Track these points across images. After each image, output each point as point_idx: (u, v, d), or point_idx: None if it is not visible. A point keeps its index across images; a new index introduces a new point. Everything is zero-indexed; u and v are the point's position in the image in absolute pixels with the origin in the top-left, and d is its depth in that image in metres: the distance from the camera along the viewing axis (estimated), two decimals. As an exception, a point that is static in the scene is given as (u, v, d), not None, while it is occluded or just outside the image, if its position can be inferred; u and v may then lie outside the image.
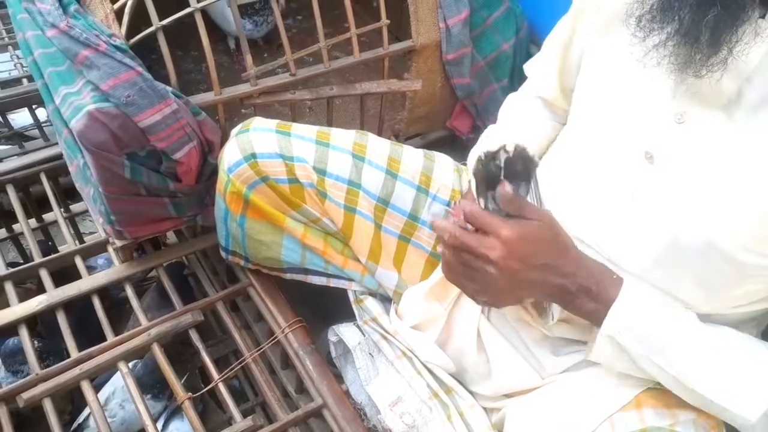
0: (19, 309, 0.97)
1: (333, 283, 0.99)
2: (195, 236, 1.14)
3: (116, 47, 0.88)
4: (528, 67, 0.96)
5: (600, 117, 0.72)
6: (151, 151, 0.92)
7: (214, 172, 0.98)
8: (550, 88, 0.90)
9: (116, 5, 0.92)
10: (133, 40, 0.91)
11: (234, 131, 0.91)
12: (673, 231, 0.64)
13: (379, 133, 1.23)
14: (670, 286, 0.68)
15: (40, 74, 1.01)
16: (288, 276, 1.00)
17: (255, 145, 0.87)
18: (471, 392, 0.88)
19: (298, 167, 0.87)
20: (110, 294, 1.28)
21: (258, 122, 0.90)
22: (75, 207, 1.39)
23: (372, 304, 0.96)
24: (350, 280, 0.98)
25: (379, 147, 0.92)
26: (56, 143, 1.41)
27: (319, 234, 0.94)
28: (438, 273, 0.93)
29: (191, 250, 1.10)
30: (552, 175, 0.79)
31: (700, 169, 0.62)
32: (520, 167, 0.59)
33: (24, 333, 0.95)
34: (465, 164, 0.97)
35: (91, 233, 1.54)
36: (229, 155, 0.88)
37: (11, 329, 0.98)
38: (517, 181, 0.60)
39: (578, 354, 0.79)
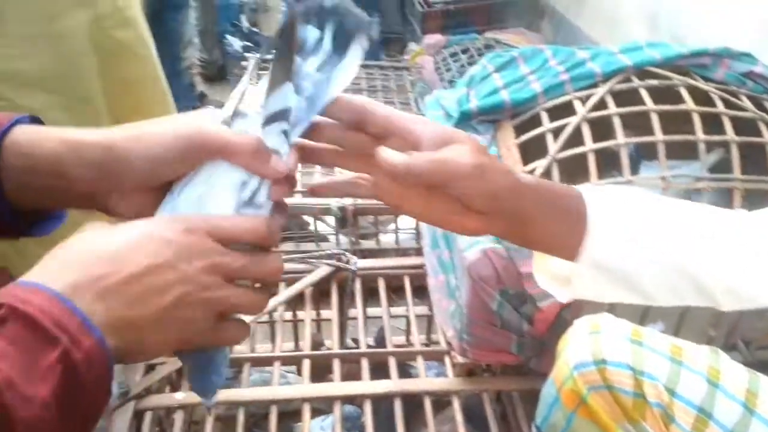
0: (369, 386, 1.15)
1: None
2: (519, 374, 1.22)
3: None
4: None
5: None
6: (520, 293, 1.04)
7: (564, 326, 1.06)
8: None
9: (527, 168, 1.09)
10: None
11: (584, 327, 0.92)
12: None
13: (728, 338, 1.18)
14: None
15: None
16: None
17: (606, 351, 0.88)
18: None
19: (648, 384, 0.86)
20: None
21: (609, 324, 0.91)
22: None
23: None
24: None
25: (734, 374, 0.87)
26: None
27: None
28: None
29: (515, 387, 1.18)
30: None
31: None
32: None
33: (368, 408, 1.12)
34: None
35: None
36: (578, 354, 0.89)
37: (354, 400, 1.16)
38: None
39: None
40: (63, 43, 0.97)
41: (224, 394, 1.15)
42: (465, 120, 1.16)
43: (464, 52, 2.31)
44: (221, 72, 3.12)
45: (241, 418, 1.10)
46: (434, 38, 2.43)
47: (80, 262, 0.43)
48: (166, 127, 0.50)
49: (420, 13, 2.80)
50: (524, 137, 1.12)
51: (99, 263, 0.43)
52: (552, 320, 1.06)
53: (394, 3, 3.09)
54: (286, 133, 0.50)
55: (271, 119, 0.50)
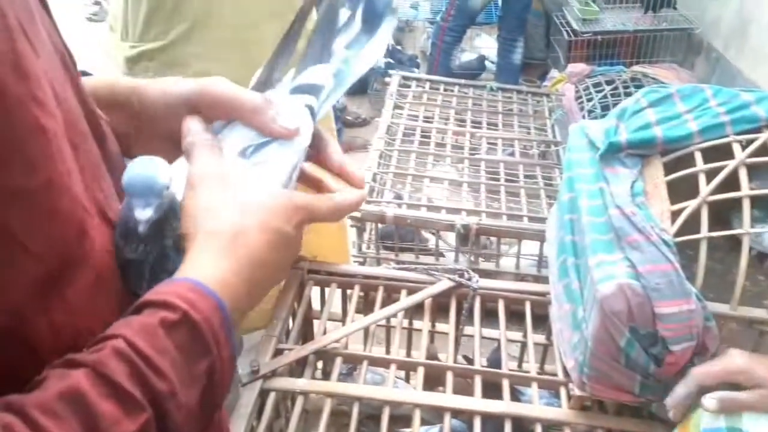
0: (482, 403, 1.15)
1: None
2: (635, 416, 1.17)
3: (664, 241, 1.01)
4: None
5: None
6: (651, 333, 1.01)
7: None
8: None
9: (674, 207, 1.06)
10: (679, 239, 1.02)
11: None
12: None
13: None
14: None
15: (571, 232, 1.23)
16: None
17: (746, 422, 0.87)
18: None
19: None
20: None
21: None
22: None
23: None
24: None
25: None
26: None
27: None
28: None
29: (632, 429, 1.14)
30: None
31: None
32: None
33: (477, 425, 1.12)
34: None
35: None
36: (712, 418, 0.90)
37: (462, 414, 1.17)
38: None
39: None
40: (252, 50, 1.08)
41: (341, 388, 1.20)
42: (612, 152, 1.14)
43: (609, 83, 2.26)
44: (362, 85, 3.25)
45: (355, 412, 1.14)
46: (578, 67, 2.40)
47: (227, 250, 0.46)
48: (192, 81, 0.54)
49: (566, 41, 2.78)
50: (674, 175, 1.09)
51: (247, 257, 0.47)
52: (683, 365, 1.02)
53: (540, 30, 3.08)
54: (311, 109, 0.52)
55: (298, 90, 0.53)
